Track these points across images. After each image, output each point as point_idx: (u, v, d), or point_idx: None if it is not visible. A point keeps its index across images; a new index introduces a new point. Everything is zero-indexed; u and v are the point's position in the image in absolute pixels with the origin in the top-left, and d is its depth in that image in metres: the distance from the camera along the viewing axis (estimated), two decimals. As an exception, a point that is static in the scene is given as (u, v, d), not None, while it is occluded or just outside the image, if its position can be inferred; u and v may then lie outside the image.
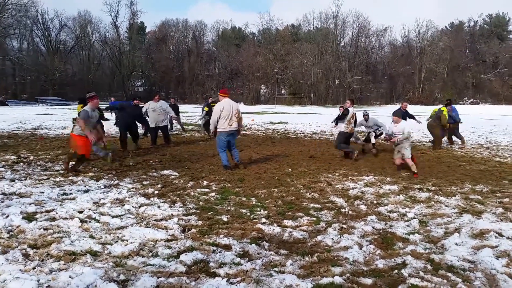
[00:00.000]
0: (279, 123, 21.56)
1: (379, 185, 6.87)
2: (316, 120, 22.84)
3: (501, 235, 4.34)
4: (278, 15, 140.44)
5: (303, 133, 16.29)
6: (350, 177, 7.54)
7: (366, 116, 11.25)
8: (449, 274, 3.38)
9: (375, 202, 5.78)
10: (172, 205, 5.37)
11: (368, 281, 3.24)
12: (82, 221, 4.61)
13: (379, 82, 72.96)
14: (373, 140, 10.90)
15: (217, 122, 7.85)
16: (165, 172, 7.69)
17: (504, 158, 10.24)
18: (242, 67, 70.15)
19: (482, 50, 70.17)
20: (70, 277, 3.16)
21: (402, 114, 10.10)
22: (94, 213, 4.94)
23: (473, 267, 3.55)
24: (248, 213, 5.10)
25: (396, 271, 3.44)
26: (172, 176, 7.36)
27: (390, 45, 77.33)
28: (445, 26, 76.35)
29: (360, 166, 8.79)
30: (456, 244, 4.06)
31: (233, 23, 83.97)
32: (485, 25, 74.90)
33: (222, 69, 77.04)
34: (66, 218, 4.69)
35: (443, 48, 68.84)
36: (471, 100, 65.01)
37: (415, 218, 4.95)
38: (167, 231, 4.33)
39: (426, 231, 4.52)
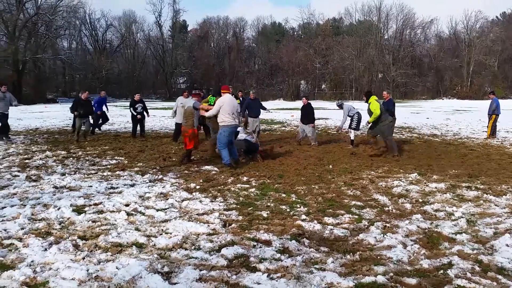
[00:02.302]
0: (319, 118, 21.29)
1: (424, 183, 6.63)
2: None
3: (558, 237, 4.06)
4: (319, 9, 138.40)
5: (344, 129, 15.99)
6: (394, 174, 7.33)
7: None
8: (499, 277, 3.21)
9: (420, 200, 5.59)
10: (213, 200, 5.48)
11: (413, 281, 3.14)
12: (128, 214, 4.81)
13: (425, 75, 70.00)
14: (351, 136, 11.08)
15: (216, 117, 8.00)
16: (206, 167, 7.84)
17: None
18: (281, 62, 69.81)
19: (539, 40, 65.40)
20: (116, 267, 3.31)
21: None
22: (140, 206, 5.13)
23: (527, 270, 3.35)
24: (288, 210, 5.10)
25: (441, 271, 3.32)
26: (213, 172, 7.49)
27: (437, 38, 73.92)
28: (496, 17, 71.92)
29: (405, 163, 8.52)
30: (507, 245, 3.84)
31: (273, 18, 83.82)
32: (541, 13, 69.71)
33: (261, 65, 77.08)
34: (113, 211, 4.91)
35: (494, 40, 64.78)
36: (526, 94, 60.83)
37: (462, 217, 4.74)
38: (208, 225, 4.42)
39: (474, 231, 4.31)
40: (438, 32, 73.76)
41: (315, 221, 4.59)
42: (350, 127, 10.84)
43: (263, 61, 75.82)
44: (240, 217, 4.76)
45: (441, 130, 15.76)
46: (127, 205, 5.17)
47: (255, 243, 3.90)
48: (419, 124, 18.68)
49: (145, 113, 12.86)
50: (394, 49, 68.85)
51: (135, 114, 12.67)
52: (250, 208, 5.12)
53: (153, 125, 17.43)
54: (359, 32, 68.60)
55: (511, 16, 69.77)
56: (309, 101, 11.55)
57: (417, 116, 24.74)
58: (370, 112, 9.34)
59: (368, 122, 9.74)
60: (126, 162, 8.46)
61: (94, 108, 13.38)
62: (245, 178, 6.88)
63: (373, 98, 9.41)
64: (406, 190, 6.13)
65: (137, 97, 12.92)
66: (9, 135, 11.97)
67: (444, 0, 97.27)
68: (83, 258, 3.51)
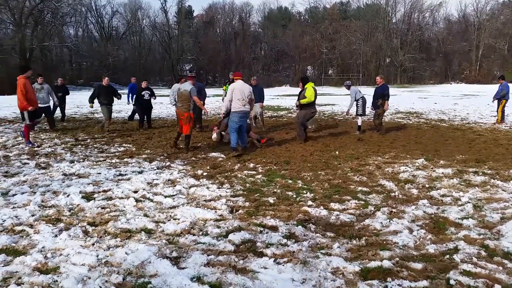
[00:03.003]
0: (326, 105, 21.19)
1: (431, 168, 6.62)
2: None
3: None
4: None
5: (350, 115, 15.91)
6: (400, 160, 7.31)
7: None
8: (506, 261, 3.23)
9: (427, 186, 5.59)
10: (220, 187, 5.52)
11: (418, 265, 3.17)
12: (137, 200, 4.87)
13: (433, 60, 69.01)
14: (359, 122, 11.07)
15: (230, 103, 7.96)
16: (213, 154, 7.89)
17: None
18: (288, 48, 69.22)
19: (552, 21, 63.93)
20: (126, 253, 3.38)
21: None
22: (148, 193, 5.19)
23: (533, 255, 3.36)
24: (294, 196, 5.13)
25: (447, 256, 3.34)
26: (220, 159, 7.53)
27: (445, 21, 72.55)
28: (508, -2, 70.25)
29: (412, 148, 8.49)
30: (514, 231, 3.84)
31: (280, 2, 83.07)
32: (556, -6, 67.90)
33: (268, 51, 76.50)
34: (122, 198, 4.98)
35: (504, 23, 63.36)
36: (536, 77, 59.78)
37: (469, 202, 4.74)
38: (216, 211, 4.47)
39: (481, 216, 4.32)
40: (447, 16, 72.55)
41: (321, 207, 4.62)
42: (356, 113, 10.77)
43: (269, 47, 75.20)
44: (247, 203, 4.80)
45: (449, 115, 15.61)
46: (135, 192, 5.24)
47: (261, 229, 3.95)
48: (427, 109, 18.51)
49: (151, 98, 12.50)
50: (402, 33, 67.83)
51: (146, 101, 12.39)
52: (256, 195, 5.16)
53: (160, 112, 17.48)
54: (367, 16, 67.62)
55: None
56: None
57: (425, 101, 24.49)
58: (303, 97, 9.23)
59: (296, 105, 9.84)
60: (134, 149, 8.53)
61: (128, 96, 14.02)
62: (251, 165, 6.92)
63: (310, 85, 9.28)
64: (412, 176, 6.13)
65: (144, 84, 12.79)
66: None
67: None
68: (93, 244, 3.58)
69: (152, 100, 12.54)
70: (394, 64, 65.99)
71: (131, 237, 3.79)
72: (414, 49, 65.91)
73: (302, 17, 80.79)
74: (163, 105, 20.87)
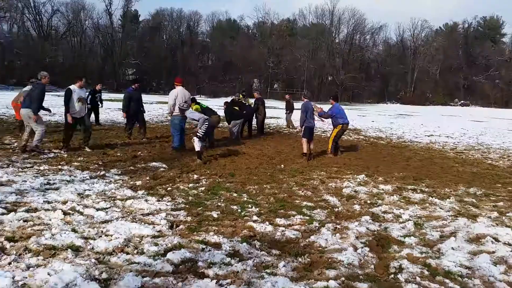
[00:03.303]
0: (271, 118, 21.37)
1: (372, 184, 6.76)
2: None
3: (497, 240, 4.25)
4: (274, 8, 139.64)
5: (295, 129, 16.14)
6: (343, 175, 7.41)
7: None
8: (447, 281, 3.26)
9: (368, 202, 5.66)
10: (160, 199, 5.17)
11: (364, 286, 3.10)
12: (65, 213, 4.39)
13: (372, 80, 73.07)
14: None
15: (173, 107, 8.83)
16: (154, 164, 7.47)
17: (496, 161, 10.23)
18: (235, 59, 69.62)
19: (475, 52, 70.58)
20: (48, 274, 2.96)
21: None
22: (78, 205, 4.72)
23: (471, 273, 3.44)
24: (239, 210, 4.93)
25: (392, 276, 3.31)
26: (161, 169, 7.14)
27: (384, 44, 77.42)
28: (439, 27, 76.64)
29: (353, 164, 8.68)
30: (453, 248, 3.94)
31: (229, 14, 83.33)
32: (479, 27, 75.19)
33: (215, 61, 76.40)
34: (48, 210, 4.47)
35: (437, 49, 69.10)
36: (462, 101, 65.46)
37: (410, 220, 4.84)
38: (154, 227, 4.14)
39: (422, 234, 4.40)
40: (386, 39, 77.36)
41: (267, 222, 4.46)
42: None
43: (216, 57, 75.17)
44: (189, 218, 4.51)
45: (386, 133, 16.37)
46: (64, 203, 4.74)
47: (204, 246, 3.69)
48: (365, 126, 19.30)
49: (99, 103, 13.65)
50: (344, 53, 71.18)
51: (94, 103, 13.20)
52: (199, 208, 4.89)
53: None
54: (312, 35, 70.12)
55: (453, 27, 74.57)
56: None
57: (363, 119, 25.59)
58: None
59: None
60: (65, 155, 7.85)
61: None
62: (195, 176, 6.62)
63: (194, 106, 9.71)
64: (355, 191, 6.20)
65: (98, 86, 13.58)
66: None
67: (393, 8, 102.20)
68: (9, 263, 3.10)
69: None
70: (336, 82, 68.81)
71: (56, 255, 3.34)
72: (354, 68, 69.34)
73: (250, 31, 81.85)
74: (102, 109, 19.79)
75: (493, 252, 3.92)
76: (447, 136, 16.00)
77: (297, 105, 13.17)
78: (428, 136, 15.92)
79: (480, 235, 4.39)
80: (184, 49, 73.27)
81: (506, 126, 25.16)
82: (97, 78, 62.89)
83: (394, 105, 60.67)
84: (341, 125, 9.82)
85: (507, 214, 5.24)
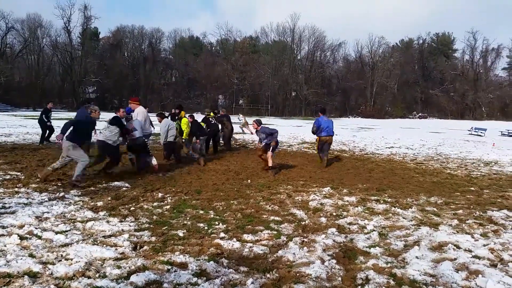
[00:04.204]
0: (236, 133, 21.37)
1: (337, 196, 6.86)
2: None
3: (458, 247, 4.40)
4: (237, 26, 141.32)
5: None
6: (309, 188, 7.48)
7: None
8: (412, 289, 3.32)
9: (334, 214, 5.72)
10: (123, 220, 4.99)
11: (332, 299, 3.10)
12: (21, 238, 4.15)
13: (333, 95, 75.12)
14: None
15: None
16: (116, 183, 7.23)
17: (454, 170, 10.69)
18: (199, 76, 69.63)
19: (430, 66, 74.48)
20: (1, 305, 2.76)
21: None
22: (36, 228, 4.47)
23: (435, 281, 3.52)
24: (206, 227, 4.84)
25: (359, 287, 3.33)
26: (124, 188, 6.92)
27: (344, 60, 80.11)
28: (396, 43, 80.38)
29: (318, 177, 8.79)
30: (417, 257, 4.04)
31: (191, 32, 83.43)
32: (433, 43, 79.53)
33: (179, 78, 75.99)
34: (3, 235, 4.20)
35: (394, 64, 72.32)
36: (420, 114, 68.54)
37: (374, 230, 4.93)
38: (116, 249, 3.97)
39: (386, 244, 4.49)
40: (346, 55, 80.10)
41: (234, 239, 4.40)
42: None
43: (180, 74, 74.84)
44: (153, 238, 4.37)
45: (349, 146, 16.77)
46: (20, 227, 4.48)
47: (169, 267, 3.57)
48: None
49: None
50: (306, 69, 72.94)
51: (47, 121, 13.28)
52: (164, 228, 4.75)
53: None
54: (274, 52, 71.43)
55: (409, 43, 78.38)
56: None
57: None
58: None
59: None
60: (22, 177, 7.45)
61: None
62: (160, 195, 6.46)
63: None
64: (321, 204, 6.27)
65: (50, 105, 13.74)
66: None
67: (352, 25, 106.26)
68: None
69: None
70: (299, 97, 70.18)
71: (11, 283, 3.14)
72: (316, 84, 71.11)
73: (213, 48, 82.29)
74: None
75: (455, 259, 4.05)
76: (407, 148, 16.61)
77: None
78: (389, 148, 16.46)
79: (442, 243, 4.53)
80: (147, 66, 72.45)
81: (462, 136, 26.52)
82: (56, 97, 61.17)
83: (355, 119, 62.52)
84: (319, 138, 10.59)
85: (467, 222, 5.46)
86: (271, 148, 9.13)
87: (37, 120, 13.94)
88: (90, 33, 68.53)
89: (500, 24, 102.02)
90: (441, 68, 73.76)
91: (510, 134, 29.96)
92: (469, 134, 29.92)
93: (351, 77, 73.84)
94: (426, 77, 73.83)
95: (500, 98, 68.40)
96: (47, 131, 13.66)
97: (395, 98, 71.47)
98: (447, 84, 71.70)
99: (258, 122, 9.37)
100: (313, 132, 10.79)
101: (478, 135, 28.85)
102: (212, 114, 13.15)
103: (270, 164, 9.08)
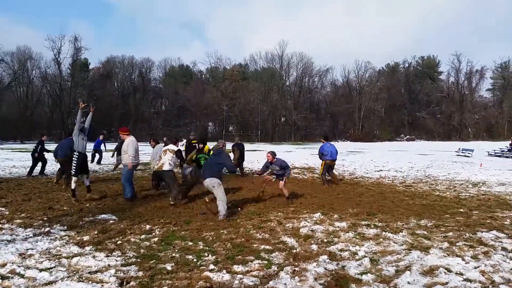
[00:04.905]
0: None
1: (328, 222, 6.82)
2: (264, 158, 22.83)
3: (449, 270, 4.37)
4: (226, 54, 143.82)
5: (251, 170, 16.19)
6: (299, 214, 7.43)
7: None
8: (405, 317, 3.27)
9: (325, 240, 5.67)
10: (109, 255, 4.87)
11: (324, 330, 3.03)
12: (3, 277, 4.03)
13: (322, 120, 76.01)
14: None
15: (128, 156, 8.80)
16: (103, 216, 7.09)
17: (443, 192, 10.74)
18: (189, 104, 70.10)
19: (416, 89, 76.06)
20: None
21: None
22: (19, 266, 4.35)
23: (427, 307, 3.48)
24: (195, 259, 4.74)
25: (351, 317, 3.27)
26: (111, 221, 6.79)
27: (332, 85, 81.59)
28: (382, 67, 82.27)
29: (308, 203, 8.75)
30: (409, 283, 4.00)
31: (181, 61, 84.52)
32: (418, 67, 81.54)
33: (169, 106, 76.38)
34: (-18, 275, 4.07)
35: (381, 88, 73.77)
36: (407, 136, 69.42)
37: (366, 256, 4.88)
38: (102, 285, 3.86)
39: (378, 270, 4.44)
40: (334, 80, 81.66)
41: (224, 271, 4.32)
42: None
43: (170, 102, 75.30)
44: (140, 273, 4.26)
45: (339, 170, 16.80)
46: (3, 266, 4.35)
47: (156, 303, 3.48)
48: (318, 164, 19.67)
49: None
50: (295, 95, 74.00)
51: (40, 153, 13.78)
52: (152, 262, 4.65)
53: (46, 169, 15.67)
54: (263, 78, 72.55)
55: (394, 67, 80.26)
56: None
57: (316, 157, 26.18)
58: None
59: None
60: (7, 213, 7.29)
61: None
62: (147, 227, 6.34)
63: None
64: (311, 231, 6.21)
65: (44, 137, 14.41)
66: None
67: (339, 51, 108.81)
68: None
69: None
70: (289, 123, 70.81)
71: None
72: (305, 109, 72.03)
73: (203, 76, 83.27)
74: (49, 161, 18.89)
75: (447, 283, 4.02)
76: (396, 171, 16.71)
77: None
78: (378, 171, 16.54)
79: (433, 266, 4.50)
80: (137, 96, 72.85)
81: (450, 158, 26.81)
82: (44, 128, 60.75)
83: (344, 142, 62.99)
84: (324, 161, 12.01)
85: (457, 244, 5.45)
86: (284, 179, 9.09)
87: (30, 153, 14.34)
88: (80, 64, 69.03)
89: (483, 46, 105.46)
90: (427, 91, 75.41)
91: (497, 154, 30.41)
92: (457, 155, 30.27)
93: (339, 101, 75.00)
94: (413, 100, 75.27)
95: (485, 119, 69.81)
96: (40, 163, 13.91)
97: (383, 121, 72.52)
98: (434, 106, 73.15)
99: (273, 154, 9.43)
100: (320, 157, 12.21)
101: (465, 155, 29.20)
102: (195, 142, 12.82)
103: (287, 194, 9.04)
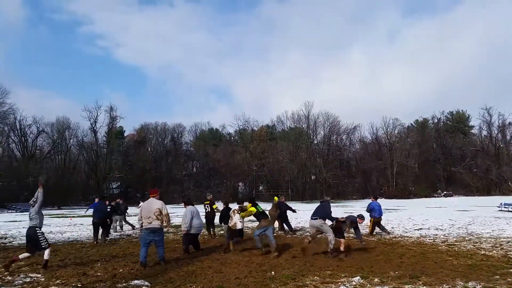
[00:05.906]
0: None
1: (368, 286, 6.42)
2: (296, 216, 22.38)
3: None
4: (253, 116, 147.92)
5: (284, 230, 15.78)
6: (337, 278, 7.05)
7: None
8: None
9: (367, 307, 5.30)
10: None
11: None
12: None
13: (353, 177, 74.68)
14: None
15: (141, 220, 8.79)
16: (136, 282, 6.97)
17: (489, 251, 10.02)
18: (219, 165, 71.11)
19: (449, 144, 74.22)
20: None
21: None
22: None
23: None
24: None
25: None
26: (144, 287, 6.68)
27: (360, 142, 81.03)
28: (411, 123, 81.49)
29: (346, 265, 8.33)
30: None
31: (211, 124, 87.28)
32: (448, 121, 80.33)
33: (200, 168, 77.73)
34: None
35: (412, 144, 72.50)
36: (445, 192, 66.60)
37: (413, 324, 4.50)
38: None
39: None
40: (362, 137, 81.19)
41: None
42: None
43: (201, 164, 76.75)
44: None
45: (376, 230, 16.11)
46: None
47: None
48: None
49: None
50: (324, 153, 73.81)
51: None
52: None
53: (78, 234, 15.93)
54: (291, 138, 73.29)
55: (423, 123, 79.33)
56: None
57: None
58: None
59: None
60: (43, 279, 7.33)
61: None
62: (180, 293, 6.18)
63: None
64: (351, 296, 5.84)
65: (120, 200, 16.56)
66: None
67: (365, 109, 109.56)
68: None
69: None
70: (319, 180, 69.94)
71: None
72: (335, 167, 71.33)
73: (232, 138, 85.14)
74: (83, 226, 19.23)
75: None
76: (436, 228, 15.85)
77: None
78: (418, 229, 15.74)
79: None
80: (169, 159, 74.88)
81: (492, 213, 25.32)
82: (80, 194, 62.78)
83: (378, 200, 61.05)
84: (372, 218, 13.99)
85: (513, 309, 4.96)
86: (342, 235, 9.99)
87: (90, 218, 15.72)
88: (115, 132, 72.53)
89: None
90: (460, 145, 73.43)
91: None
92: (499, 210, 28.56)
93: (369, 158, 73.97)
94: (447, 155, 73.26)
95: (525, 171, 66.45)
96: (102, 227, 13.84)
97: (418, 177, 70.34)
98: (469, 161, 70.67)
99: (362, 217, 10.81)
100: (370, 214, 13.87)
101: (508, 211, 27.49)
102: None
103: (342, 248, 9.53)
